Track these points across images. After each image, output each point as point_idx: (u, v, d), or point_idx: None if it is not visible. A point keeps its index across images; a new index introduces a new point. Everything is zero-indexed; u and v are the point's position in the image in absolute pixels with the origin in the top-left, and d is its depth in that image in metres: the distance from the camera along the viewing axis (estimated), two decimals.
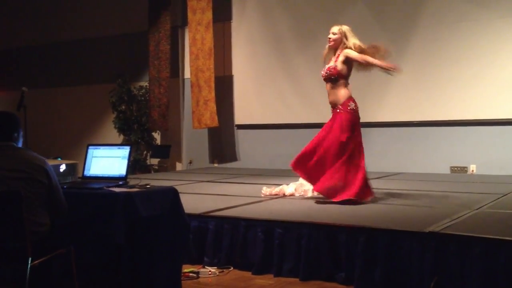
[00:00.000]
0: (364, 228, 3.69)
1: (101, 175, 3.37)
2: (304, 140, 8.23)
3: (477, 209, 4.34)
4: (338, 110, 4.90)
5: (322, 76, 5.00)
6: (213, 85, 8.62)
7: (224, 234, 4.10)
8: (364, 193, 4.77)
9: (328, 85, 4.97)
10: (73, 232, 3.02)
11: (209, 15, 8.64)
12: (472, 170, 7.20)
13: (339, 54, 4.92)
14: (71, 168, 3.66)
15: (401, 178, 6.78)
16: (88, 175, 3.41)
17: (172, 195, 3.25)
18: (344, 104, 4.88)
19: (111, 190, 3.07)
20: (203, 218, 4.21)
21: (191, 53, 8.83)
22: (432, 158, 7.43)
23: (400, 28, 7.58)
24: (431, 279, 3.33)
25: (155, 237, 3.12)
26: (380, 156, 7.53)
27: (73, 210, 2.96)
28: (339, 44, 4.93)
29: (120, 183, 3.22)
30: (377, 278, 3.50)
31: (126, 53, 9.82)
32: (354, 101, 4.90)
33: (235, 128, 8.99)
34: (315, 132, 8.39)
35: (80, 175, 3.52)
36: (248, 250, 3.99)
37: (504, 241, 3.22)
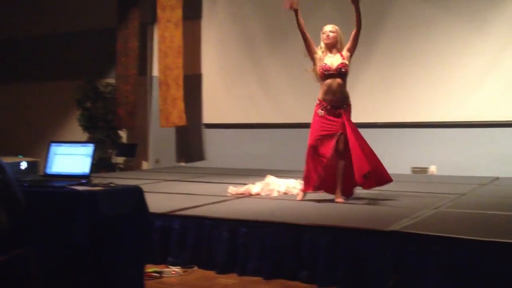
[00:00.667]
0: (327, 227, 3.74)
1: (63, 173, 3.32)
2: (271, 140, 8.39)
3: (436, 208, 4.44)
4: (343, 110, 4.82)
5: (330, 71, 4.78)
6: (181, 83, 8.58)
7: (189, 233, 4.10)
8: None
9: (336, 82, 4.79)
10: (33, 232, 2.95)
11: (179, 12, 8.58)
12: (432, 171, 7.36)
13: (341, 52, 4.86)
14: (32, 165, 3.62)
15: None
16: (50, 173, 3.35)
17: (137, 194, 3.23)
18: (349, 104, 4.90)
19: (73, 189, 3.03)
20: (168, 217, 4.20)
21: (159, 50, 8.76)
22: (394, 158, 7.51)
23: (366, 30, 7.57)
24: (391, 277, 3.40)
25: (118, 236, 3.09)
26: None
27: (33, 209, 2.89)
28: (336, 42, 4.88)
29: (83, 181, 3.18)
30: (339, 276, 3.56)
31: (93, 50, 9.68)
32: None
33: (203, 127, 8.96)
34: (282, 131, 8.53)
35: (41, 173, 3.47)
36: (212, 249, 4.00)
37: (462, 240, 3.32)
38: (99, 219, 2.95)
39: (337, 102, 4.83)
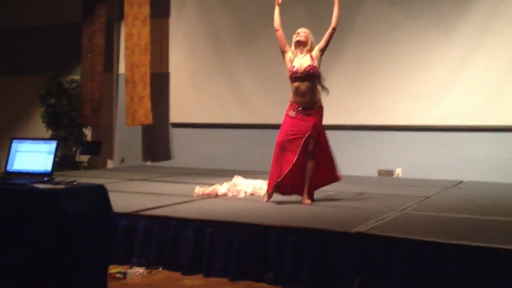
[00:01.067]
0: (293, 228, 3.74)
1: (25, 171, 3.25)
2: (239, 140, 8.37)
3: (401, 210, 4.49)
4: (314, 111, 4.83)
5: (298, 74, 4.79)
6: (148, 81, 8.48)
7: (154, 233, 4.05)
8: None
9: (305, 85, 4.78)
10: None
11: (146, 9, 8.49)
12: (398, 174, 7.45)
13: (310, 54, 4.85)
14: None
15: None
16: (11, 170, 3.27)
17: (100, 192, 3.18)
18: (321, 106, 4.91)
19: (35, 187, 2.96)
20: (132, 217, 4.14)
21: (126, 47, 8.65)
22: (360, 161, 7.62)
23: (335, 33, 7.71)
24: (357, 278, 3.42)
25: (80, 236, 3.03)
26: None
27: None
28: (307, 43, 4.87)
29: (45, 179, 3.12)
30: (305, 278, 3.56)
31: (58, 45, 9.50)
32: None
33: (170, 126, 8.89)
34: (250, 132, 8.52)
35: (2, 170, 3.38)
36: (178, 250, 3.96)
37: (425, 242, 3.36)
38: (62, 218, 2.89)
39: (307, 104, 4.84)
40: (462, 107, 7.10)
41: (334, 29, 4.94)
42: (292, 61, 4.84)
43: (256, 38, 7.90)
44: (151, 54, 8.52)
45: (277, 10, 5.04)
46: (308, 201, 4.85)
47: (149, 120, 8.50)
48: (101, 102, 8.85)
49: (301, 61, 4.83)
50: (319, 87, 4.92)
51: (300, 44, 4.87)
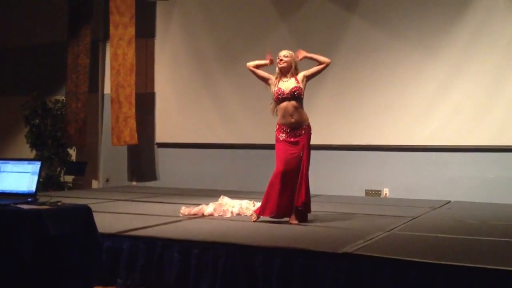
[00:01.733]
0: (280, 249, 3.71)
1: (8, 191, 3.22)
2: (224, 160, 8.35)
3: (389, 231, 4.48)
4: (303, 131, 4.88)
5: (284, 95, 4.84)
6: (133, 101, 8.46)
7: (139, 254, 3.99)
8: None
9: (291, 105, 4.84)
10: None
11: (131, 30, 8.51)
12: (386, 194, 7.46)
13: (295, 77, 4.92)
14: None
15: (318, 200, 6.89)
16: None
17: (85, 213, 3.14)
18: (309, 126, 4.95)
19: (19, 207, 2.92)
20: (117, 238, 4.08)
21: (112, 68, 8.64)
22: (348, 181, 7.63)
23: (321, 54, 7.76)
24: None
25: (64, 256, 2.98)
26: None
27: None
28: (290, 66, 4.93)
29: (29, 199, 3.08)
30: None
31: (42, 65, 9.45)
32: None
33: (156, 146, 8.85)
34: (236, 152, 8.52)
35: None
36: (164, 270, 3.90)
37: (413, 262, 3.34)
38: (45, 238, 2.84)
39: (295, 124, 4.88)
40: (447, 127, 7.15)
41: (323, 68, 5.03)
42: (276, 85, 4.92)
43: (241, 59, 7.88)
44: (136, 75, 8.51)
45: (260, 62, 5.12)
46: (295, 221, 4.83)
47: (134, 140, 8.46)
48: (85, 122, 8.80)
49: (287, 84, 4.91)
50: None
51: (283, 70, 4.94)
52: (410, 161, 7.37)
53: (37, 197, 3.15)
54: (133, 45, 8.49)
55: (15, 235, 2.80)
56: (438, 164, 7.26)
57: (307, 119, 4.95)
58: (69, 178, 9.00)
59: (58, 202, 3.16)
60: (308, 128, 4.95)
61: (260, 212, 4.92)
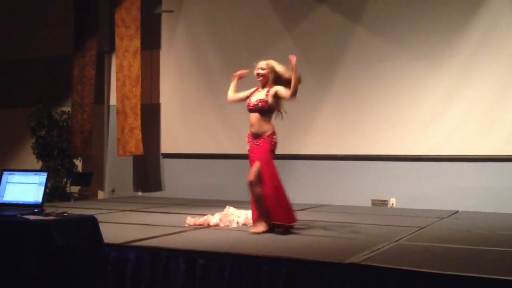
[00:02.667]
0: (286, 259, 3.69)
1: (15, 202, 3.23)
2: (230, 171, 8.34)
3: (396, 241, 4.46)
4: (261, 141, 4.97)
5: (250, 107, 5.03)
6: (139, 112, 8.50)
7: (145, 264, 3.98)
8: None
9: (254, 116, 5.00)
10: None
11: (137, 42, 8.57)
12: (392, 204, 7.43)
13: (269, 89, 4.99)
14: None
15: (324, 210, 6.88)
16: (1, 201, 3.26)
17: (91, 223, 3.15)
18: (270, 136, 4.99)
19: (25, 218, 2.92)
20: (123, 248, 4.07)
21: (117, 79, 8.69)
22: (354, 191, 7.61)
23: (326, 65, 7.81)
24: None
25: (70, 267, 2.99)
26: (304, 188, 7.63)
27: None
28: (267, 79, 5.01)
29: (36, 210, 3.09)
30: None
31: (49, 77, 9.51)
32: (276, 136, 5.02)
33: (161, 156, 8.87)
34: (241, 162, 8.47)
35: None
36: (169, 281, 3.89)
37: (420, 273, 3.32)
38: (51, 249, 2.85)
39: (255, 134, 5.02)
40: (454, 137, 7.12)
41: (290, 96, 4.94)
42: (250, 97, 5.07)
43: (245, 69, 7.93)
44: (142, 86, 8.55)
45: (234, 84, 5.27)
46: (255, 230, 4.84)
47: (140, 150, 8.48)
48: (91, 133, 8.84)
49: (257, 96, 5.04)
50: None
51: (261, 82, 5.06)
52: (417, 171, 7.34)
53: (44, 208, 3.15)
54: (139, 57, 8.54)
55: (21, 245, 2.81)
56: (445, 174, 7.22)
57: (269, 130, 5.00)
58: (75, 189, 9.03)
59: (64, 212, 3.18)
60: (269, 138, 4.98)
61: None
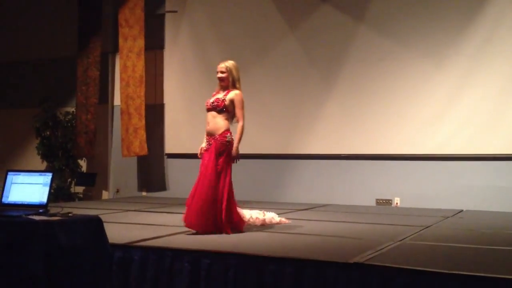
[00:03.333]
0: (291, 259, 3.69)
1: (20, 203, 3.24)
2: (233, 170, 8.29)
3: (400, 240, 4.45)
4: (212, 141, 4.98)
5: (207, 106, 5.06)
6: (143, 113, 8.51)
7: (149, 265, 3.99)
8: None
9: (210, 114, 5.04)
10: None
11: (141, 42, 8.58)
12: (397, 203, 7.42)
13: (228, 92, 5.02)
14: None
15: (328, 210, 6.88)
16: (6, 202, 3.27)
17: (96, 224, 3.16)
18: (222, 135, 4.99)
19: (30, 218, 2.93)
20: (128, 249, 4.08)
21: (121, 80, 8.70)
22: (358, 190, 7.60)
23: (329, 64, 7.80)
24: None
25: (75, 267, 3.00)
26: (308, 188, 7.63)
27: None
28: (228, 81, 5.04)
29: (40, 211, 3.10)
30: None
31: (53, 78, 9.54)
32: (231, 133, 5.02)
33: (165, 157, 8.87)
34: (245, 162, 8.42)
35: None
36: (174, 281, 3.90)
37: (425, 272, 3.31)
38: (56, 249, 2.85)
39: (210, 132, 5.05)
40: (458, 136, 7.11)
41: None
42: (212, 97, 5.11)
43: (249, 70, 7.93)
44: (146, 86, 8.57)
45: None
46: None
47: (144, 151, 8.49)
48: (95, 134, 8.86)
49: (216, 97, 5.07)
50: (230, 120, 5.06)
51: (221, 85, 5.09)
52: (421, 170, 7.33)
53: (48, 208, 3.16)
54: (143, 57, 8.55)
55: (26, 246, 2.82)
56: (449, 173, 7.21)
57: (222, 128, 4.99)
58: (79, 189, 9.06)
59: (69, 213, 3.18)
60: (220, 136, 4.97)
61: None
